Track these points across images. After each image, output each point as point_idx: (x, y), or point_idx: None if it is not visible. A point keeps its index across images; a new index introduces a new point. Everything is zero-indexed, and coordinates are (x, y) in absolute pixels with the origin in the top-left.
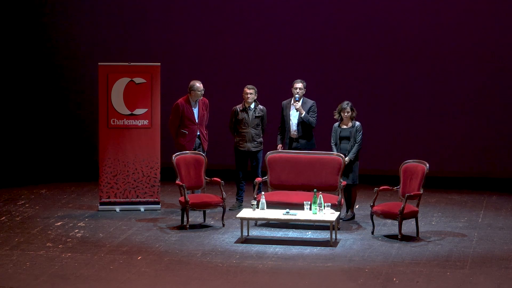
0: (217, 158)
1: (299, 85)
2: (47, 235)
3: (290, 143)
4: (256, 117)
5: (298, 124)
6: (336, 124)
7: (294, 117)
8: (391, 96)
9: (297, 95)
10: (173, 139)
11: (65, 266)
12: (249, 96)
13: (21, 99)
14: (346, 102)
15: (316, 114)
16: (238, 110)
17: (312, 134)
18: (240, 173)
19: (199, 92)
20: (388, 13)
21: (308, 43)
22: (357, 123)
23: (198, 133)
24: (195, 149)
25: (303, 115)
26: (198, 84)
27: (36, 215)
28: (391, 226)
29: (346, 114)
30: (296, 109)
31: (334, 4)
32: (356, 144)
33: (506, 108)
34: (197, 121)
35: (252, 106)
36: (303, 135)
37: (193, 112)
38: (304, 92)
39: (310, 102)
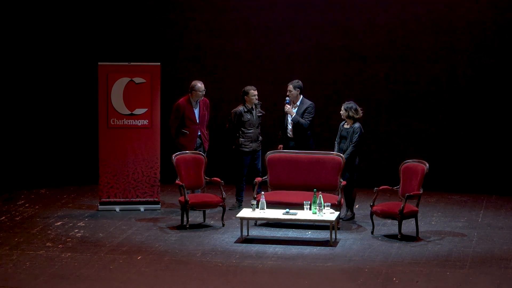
0: (217, 158)
1: (289, 87)
2: (47, 235)
3: (287, 142)
4: (258, 116)
5: (292, 124)
6: (343, 122)
7: (290, 117)
8: (391, 95)
9: (287, 98)
10: (174, 139)
11: (65, 266)
12: (257, 98)
13: (20, 99)
14: (347, 102)
15: (312, 115)
16: (242, 111)
17: (307, 135)
18: (244, 173)
19: (200, 93)
20: (389, 13)
21: (308, 43)
22: (356, 124)
23: (199, 133)
24: (196, 149)
25: (293, 116)
26: (200, 85)
27: (36, 215)
28: (391, 226)
29: (340, 112)
30: (285, 111)
31: (334, 5)
32: (351, 145)
33: (507, 108)
34: (198, 121)
35: (253, 106)
36: (296, 135)
37: (194, 112)
38: (297, 92)
39: (307, 103)
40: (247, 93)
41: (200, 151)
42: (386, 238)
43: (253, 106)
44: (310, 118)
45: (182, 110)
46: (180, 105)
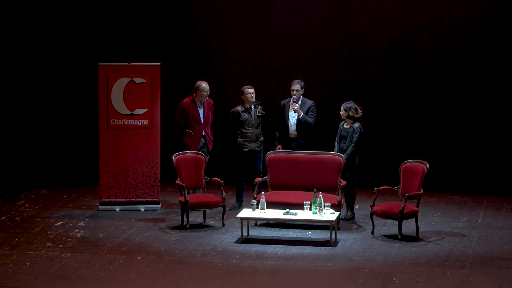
0: (218, 158)
1: (296, 86)
2: (47, 235)
3: (289, 143)
4: (257, 116)
5: (297, 124)
6: (342, 122)
7: (292, 117)
8: (391, 95)
9: (294, 97)
10: (178, 139)
11: (65, 266)
12: (253, 96)
13: (21, 99)
14: (346, 102)
15: (315, 115)
16: (240, 111)
17: (311, 134)
18: (244, 173)
19: (205, 93)
20: (389, 13)
21: (309, 43)
22: (356, 124)
23: (203, 134)
24: (200, 150)
25: (301, 116)
26: (204, 85)
27: (36, 215)
28: (391, 226)
29: (340, 113)
30: (294, 110)
31: (334, 4)
32: (351, 145)
33: (507, 108)
34: (202, 121)
35: (253, 106)
36: (301, 135)
37: (199, 112)
38: (302, 92)
39: (309, 103)
40: (243, 92)
41: (203, 151)
42: (386, 238)
43: (252, 106)
44: (314, 117)
45: (186, 110)
46: (185, 105)
